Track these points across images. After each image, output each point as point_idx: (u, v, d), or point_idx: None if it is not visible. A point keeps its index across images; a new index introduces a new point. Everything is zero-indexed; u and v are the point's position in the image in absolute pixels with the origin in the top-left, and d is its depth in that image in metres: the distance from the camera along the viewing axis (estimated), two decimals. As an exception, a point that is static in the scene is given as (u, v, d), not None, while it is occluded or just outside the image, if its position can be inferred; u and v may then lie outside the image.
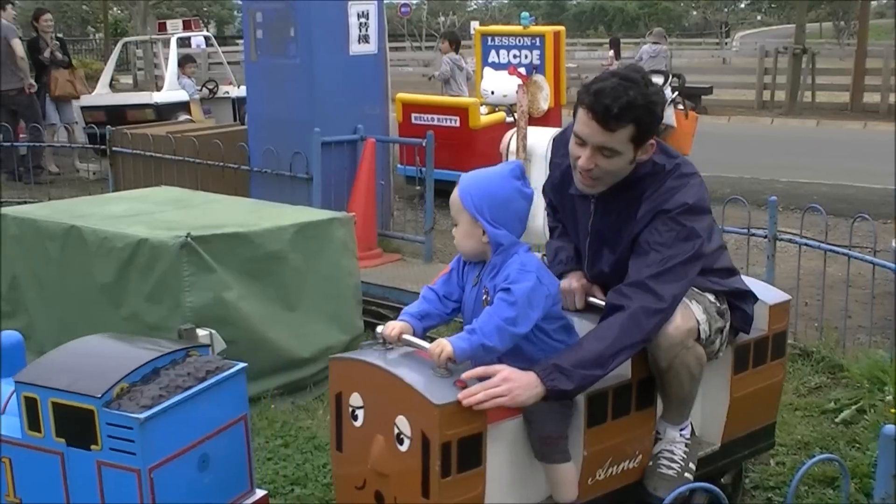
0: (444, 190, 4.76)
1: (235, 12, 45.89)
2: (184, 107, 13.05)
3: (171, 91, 13.25)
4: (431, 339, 2.94)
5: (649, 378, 3.17)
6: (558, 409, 2.95)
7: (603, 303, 3.18)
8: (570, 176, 3.23)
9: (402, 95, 10.74)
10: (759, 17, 62.59)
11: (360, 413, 2.92)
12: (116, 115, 12.35)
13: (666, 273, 3.02)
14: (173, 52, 13.81)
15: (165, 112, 12.63)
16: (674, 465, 3.23)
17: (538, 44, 11.02)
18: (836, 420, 4.47)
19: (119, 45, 16.97)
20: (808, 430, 4.38)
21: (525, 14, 11.67)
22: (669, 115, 9.13)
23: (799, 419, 4.51)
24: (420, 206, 8.67)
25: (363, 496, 2.93)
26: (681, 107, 9.38)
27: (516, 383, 2.84)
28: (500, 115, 10.35)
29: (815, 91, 20.71)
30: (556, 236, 3.59)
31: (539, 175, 5.89)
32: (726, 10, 56.58)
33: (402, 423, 2.76)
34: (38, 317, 5.05)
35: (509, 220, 2.97)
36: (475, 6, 56.32)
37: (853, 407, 4.51)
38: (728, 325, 3.30)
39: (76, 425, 2.67)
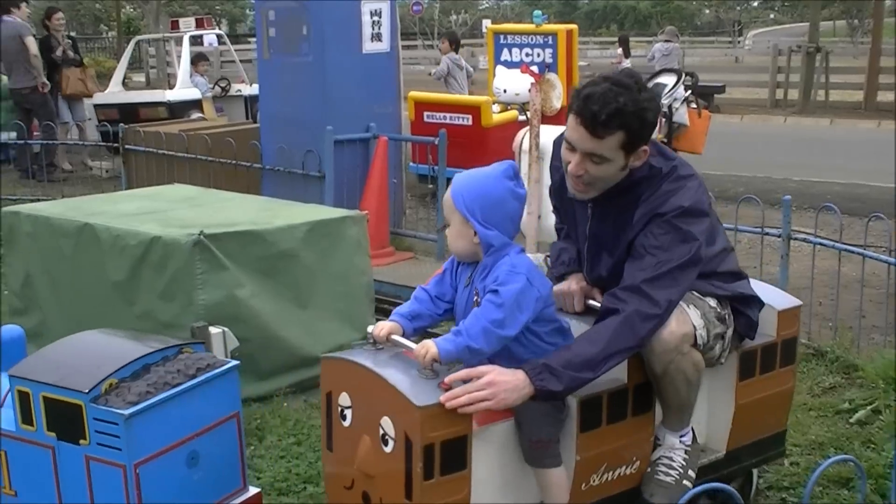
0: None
1: (247, 10, 45.97)
2: (196, 105, 13.07)
3: (184, 89, 13.27)
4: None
5: (647, 383, 3.11)
6: (550, 412, 2.91)
7: None
8: None
9: (414, 94, 10.73)
10: (772, 16, 62.38)
11: (348, 413, 2.91)
12: (129, 112, 12.36)
13: (661, 277, 2.97)
14: (186, 51, 13.83)
15: (178, 110, 12.65)
16: (672, 471, 3.18)
17: (551, 42, 11.00)
18: (851, 420, 4.44)
19: (132, 43, 17.01)
20: (823, 430, 4.35)
21: (538, 12, 11.66)
22: (682, 114, 9.09)
23: (813, 419, 4.49)
24: (432, 204, 8.67)
25: (351, 496, 2.91)
26: (694, 105, 9.34)
27: (502, 386, 2.78)
28: (513, 113, 10.33)
29: (829, 90, 20.62)
30: (562, 237, 3.56)
31: (551, 174, 5.86)
32: (739, 8, 56.40)
33: (387, 424, 2.74)
34: (51, 314, 5.06)
35: (501, 221, 2.93)
36: (487, 4, 56.30)
37: (868, 407, 4.49)
38: (730, 330, 3.24)
39: (65, 420, 2.71)
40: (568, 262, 3.41)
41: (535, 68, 10.86)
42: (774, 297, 3.54)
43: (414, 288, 3.19)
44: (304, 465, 4.02)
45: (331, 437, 3.01)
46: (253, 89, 13.08)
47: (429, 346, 2.78)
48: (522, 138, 6.32)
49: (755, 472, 3.73)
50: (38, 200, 7.66)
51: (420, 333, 3.09)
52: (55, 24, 12.41)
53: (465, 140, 9.46)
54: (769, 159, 13.51)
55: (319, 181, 7.40)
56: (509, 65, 11.12)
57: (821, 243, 5.52)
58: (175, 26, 15.53)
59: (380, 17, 7.73)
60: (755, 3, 61.91)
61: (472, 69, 12.38)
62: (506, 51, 11.30)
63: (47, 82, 11.59)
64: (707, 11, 57.64)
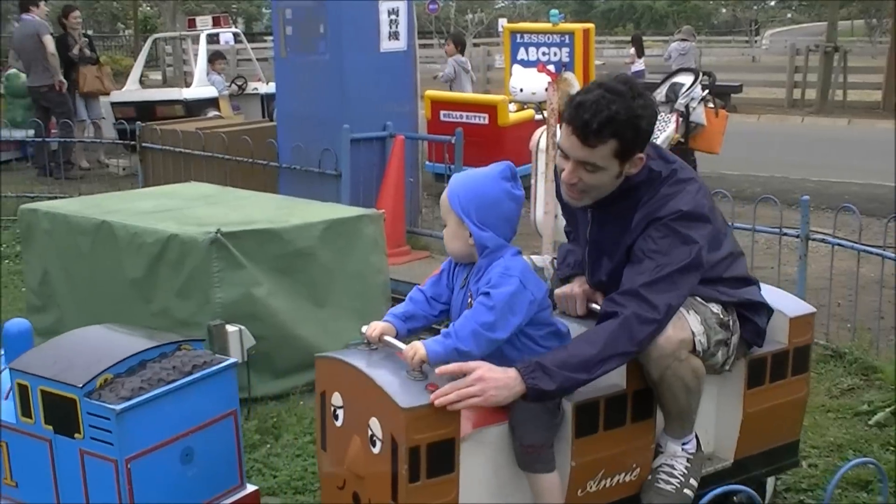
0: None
1: (264, 9, 45.97)
2: (213, 103, 13.09)
3: (201, 87, 13.30)
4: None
5: (647, 389, 3.06)
6: (543, 417, 2.88)
7: None
8: None
9: (430, 92, 10.74)
10: (789, 15, 62.12)
11: (340, 413, 2.90)
12: (146, 110, 12.40)
13: (659, 281, 2.91)
14: (202, 49, 13.86)
15: (194, 108, 12.68)
16: (673, 479, 3.13)
17: (567, 41, 10.98)
18: (870, 423, 4.41)
19: (149, 41, 17.07)
20: (841, 432, 4.33)
21: (554, 11, 11.63)
22: (699, 114, 9.02)
23: (831, 421, 4.46)
24: (448, 203, 8.62)
25: (343, 496, 2.91)
26: (711, 105, 9.28)
27: (492, 383, 2.73)
28: (529, 112, 10.32)
29: (847, 89, 20.50)
30: (571, 239, 3.52)
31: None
32: (756, 7, 56.23)
33: (375, 424, 2.73)
34: (68, 311, 5.08)
35: (496, 223, 2.90)
36: (502, 4, 56.17)
37: (887, 409, 4.45)
38: (735, 337, 3.17)
39: (61, 413, 2.75)
40: (573, 265, 3.38)
41: (551, 67, 10.80)
42: (787, 304, 3.47)
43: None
44: (321, 463, 4.01)
45: (325, 436, 3.01)
46: (269, 87, 13.09)
47: (417, 348, 2.75)
48: (539, 137, 6.30)
49: (771, 480, 3.66)
50: (56, 198, 7.69)
51: (414, 334, 3.06)
52: (72, 22, 12.46)
53: (482, 139, 9.45)
54: (786, 159, 13.45)
55: (336, 180, 7.40)
56: (526, 64, 11.09)
57: (839, 244, 5.49)
58: (192, 24, 15.55)
59: (397, 16, 7.72)
60: (772, 3, 61.70)
61: (474, 76, 12.38)
62: (522, 50, 11.28)
63: (64, 80, 11.64)
64: (724, 11, 57.41)
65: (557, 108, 5.32)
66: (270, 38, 11.37)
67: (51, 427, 2.79)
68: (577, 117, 2.87)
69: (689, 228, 2.96)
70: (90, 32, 20.30)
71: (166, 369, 2.83)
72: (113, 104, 12.89)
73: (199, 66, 13.70)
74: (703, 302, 3.10)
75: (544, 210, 5.53)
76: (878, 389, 4.79)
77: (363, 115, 7.51)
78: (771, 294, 3.43)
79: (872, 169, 12.09)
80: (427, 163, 9.36)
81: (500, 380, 2.75)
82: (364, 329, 2.96)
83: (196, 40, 14.53)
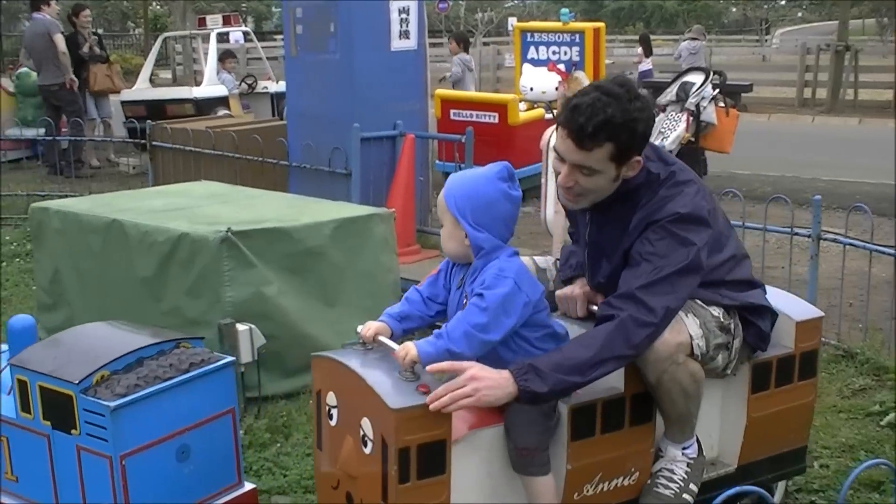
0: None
1: (273, 7, 46.05)
2: (223, 102, 13.10)
3: (211, 86, 13.31)
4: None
5: (646, 392, 3.01)
6: (538, 420, 2.86)
7: None
8: None
9: (440, 91, 10.73)
10: (799, 14, 61.95)
11: (334, 412, 2.89)
12: (156, 109, 12.40)
13: (657, 284, 2.87)
14: (213, 48, 13.87)
15: (204, 107, 12.69)
16: (672, 484, 3.09)
17: (578, 40, 10.97)
18: (882, 423, 4.39)
19: (159, 40, 17.07)
20: (853, 432, 4.31)
21: (565, 10, 11.63)
22: (710, 113, 9.01)
23: (843, 421, 4.45)
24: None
25: (337, 496, 2.90)
26: (722, 104, 9.27)
27: (484, 382, 2.70)
28: (539, 111, 10.30)
29: (858, 88, 20.44)
30: (574, 241, 3.48)
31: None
32: (766, 6, 56.09)
33: (366, 425, 2.71)
34: (79, 310, 5.08)
35: (492, 223, 2.87)
36: (512, 3, 56.15)
37: (899, 410, 4.44)
38: (737, 341, 3.13)
39: (59, 409, 2.77)
40: (575, 266, 3.34)
41: (561, 66, 10.82)
42: (794, 308, 3.42)
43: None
44: (331, 462, 4.01)
45: (320, 435, 3.00)
46: (279, 86, 13.09)
47: (409, 348, 2.73)
48: (550, 136, 6.29)
49: (781, 484, 3.62)
50: (66, 196, 7.71)
51: (410, 334, 3.04)
52: (82, 21, 12.49)
53: (492, 138, 9.44)
54: (797, 159, 13.41)
55: (346, 178, 7.40)
56: (536, 63, 11.10)
57: (851, 244, 5.46)
58: (202, 23, 15.57)
59: (408, 15, 7.72)
60: (783, 2, 61.56)
61: (474, 74, 12.41)
62: (533, 49, 11.28)
63: (75, 79, 11.66)
64: (734, 10, 57.30)
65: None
66: (280, 36, 11.39)
67: (49, 423, 2.81)
68: (573, 120, 2.84)
69: (687, 231, 2.92)
70: (100, 31, 20.29)
71: (163, 367, 2.84)
72: (123, 103, 12.91)
73: (210, 64, 13.71)
74: (703, 305, 3.06)
75: (555, 209, 5.52)
76: (889, 390, 4.77)
77: (373, 113, 7.51)
78: (778, 297, 3.39)
79: (884, 168, 12.05)
80: (437, 162, 9.35)
81: (492, 379, 2.72)
82: (359, 329, 2.94)
83: (206, 39, 14.55)
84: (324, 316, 4.81)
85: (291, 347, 4.62)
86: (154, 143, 9.13)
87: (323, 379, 2.95)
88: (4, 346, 3.20)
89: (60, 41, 11.46)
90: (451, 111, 10.24)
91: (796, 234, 5.62)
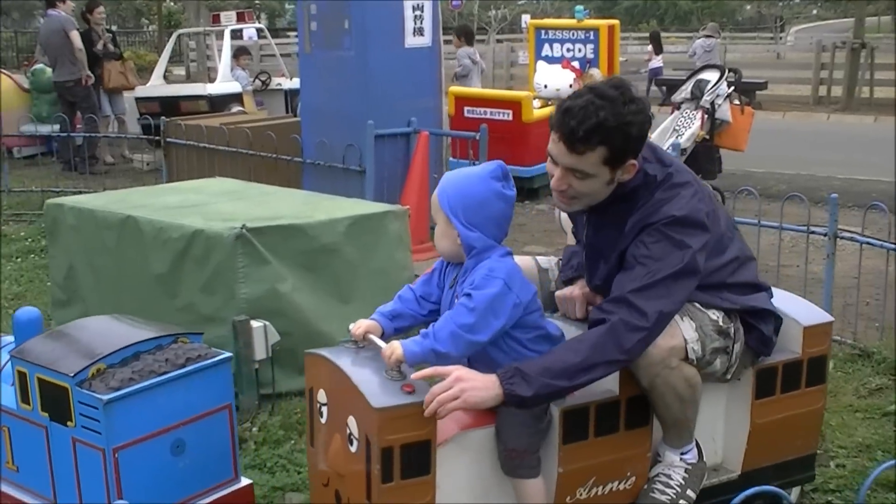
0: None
1: (287, 4, 46.14)
2: (237, 98, 13.13)
3: (225, 83, 13.32)
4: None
5: (642, 395, 2.96)
6: (527, 422, 2.83)
7: None
8: None
9: (454, 88, 10.72)
10: (814, 11, 61.77)
11: (324, 410, 2.88)
12: (170, 106, 12.44)
13: (650, 287, 2.81)
14: (227, 44, 13.89)
15: (218, 103, 12.71)
16: (669, 490, 3.05)
17: (592, 38, 10.95)
18: (899, 423, 4.37)
19: (173, 37, 17.11)
20: (869, 432, 4.28)
21: (579, 8, 11.60)
22: (725, 111, 8.98)
23: (859, 421, 4.42)
24: (472, 199, 8.59)
25: (327, 494, 2.90)
26: (737, 102, 9.23)
27: (470, 383, 2.67)
28: (553, 108, 10.28)
29: (874, 86, 20.32)
30: (577, 241, 3.43)
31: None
32: (781, 3, 55.93)
33: (352, 423, 2.71)
34: (93, 306, 5.09)
35: (484, 223, 2.84)
36: (525, 0, 56.10)
37: (916, 410, 4.41)
38: (737, 345, 3.07)
39: (56, 401, 2.79)
40: (577, 267, 3.30)
41: (576, 64, 10.81)
42: (802, 312, 3.35)
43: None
44: (345, 460, 4.00)
45: (312, 433, 3.00)
46: (293, 83, 13.11)
47: (395, 348, 2.71)
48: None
49: (795, 489, 3.57)
50: (81, 193, 7.74)
51: (402, 333, 3.02)
52: (96, 17, 12.52)
53: (506, 135, 9.44)
54: (812, 157, 13.35)
55: (360, 176, 7.40)
56: (550, 60, 11.08)
57: (868, 242, 5.43)
58: (216, 20, 15.59)
59: (422, 12, 7.71)
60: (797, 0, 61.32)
61: (483, 64, 12.37)
62: (547, 46, 11.26)
63: (91, 75, 11.69)
64: (748, 7, 57.16)
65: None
66: (294, 33, 11.41)
67: (47, 414, 2.84)
68: (564, 124, 2.79)
69: (683, 234, 2.87)
70: (114, 28, 20.38)
71: (159, 361, 2.85)
72: (137, 99, 12.95)
73: (224, 61, 13.73)
74: (701, 308, 3.01)
75: (569, 207, 5.50)
76: (906, 389, 4.75)
77: (387, 111, 7.51)
78: (786, 301, 3.34)
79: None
80: (451, 159, 9.34)
81: (479, 381, 2.70)
82: (351, 327, 2.93)
83: (220, 36, 14.57)
84: (338, 313, 4.79)
85: (305, 344, 4.57)
86: (168, 139, 9.15)
87: (314, 376, 2.95)
88: (11, 338, 3.22)
89: (76, 38, 11.48)
90: (466, 108, 10.24)
91: (812, 232, 5.59)
